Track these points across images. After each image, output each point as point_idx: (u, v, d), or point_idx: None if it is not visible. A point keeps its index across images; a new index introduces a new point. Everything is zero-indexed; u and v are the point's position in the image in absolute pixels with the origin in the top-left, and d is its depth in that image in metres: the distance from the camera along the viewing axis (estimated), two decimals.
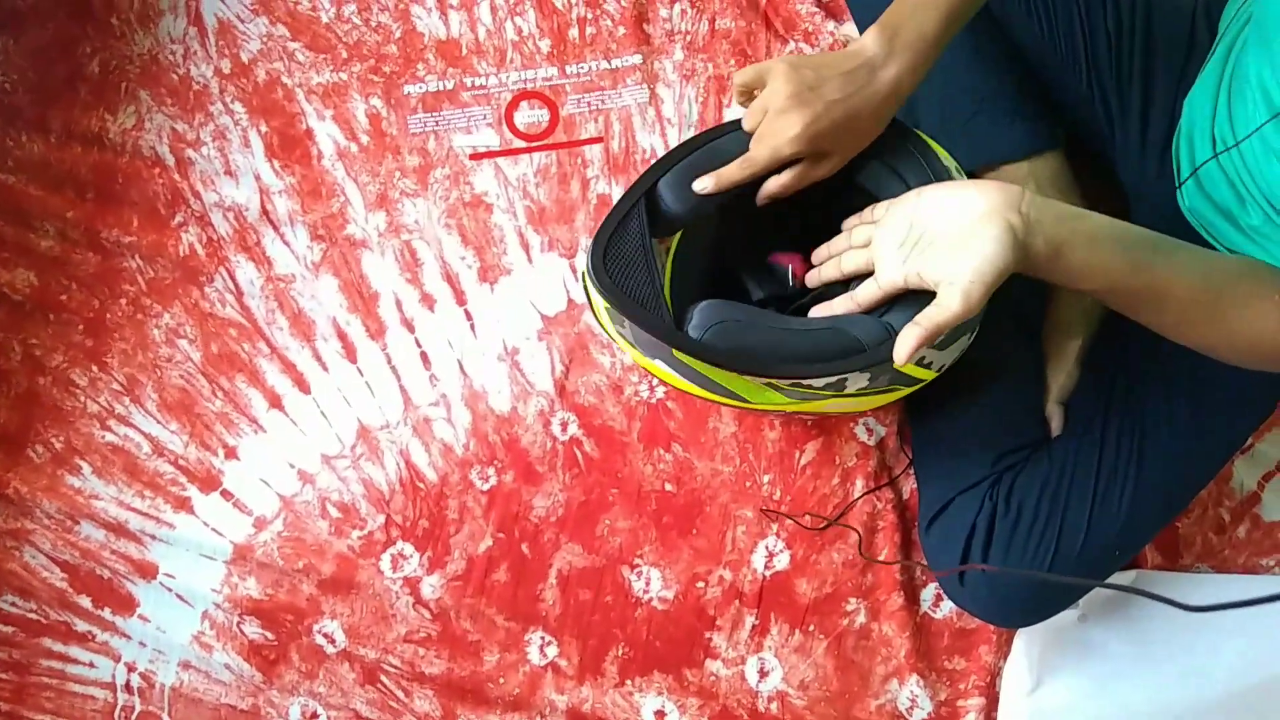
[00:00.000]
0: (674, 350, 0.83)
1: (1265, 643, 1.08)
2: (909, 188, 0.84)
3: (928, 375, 0.89)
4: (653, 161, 0.88)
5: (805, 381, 0.83)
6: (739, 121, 0.88)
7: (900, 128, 0.87)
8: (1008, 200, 0.72)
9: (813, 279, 0.90)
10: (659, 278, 0.84)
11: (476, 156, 1.25)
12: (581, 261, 1.22)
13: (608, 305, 0.84)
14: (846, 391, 0.86)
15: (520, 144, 1.25)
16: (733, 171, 0.85)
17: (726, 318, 0.83)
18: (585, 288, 0.88)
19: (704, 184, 0.86)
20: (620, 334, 0.89)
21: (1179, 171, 0.90)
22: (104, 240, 1.23)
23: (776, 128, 0.81)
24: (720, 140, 0.87)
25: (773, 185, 0.86)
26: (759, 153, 0.84)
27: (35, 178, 1.23)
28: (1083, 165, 1.10)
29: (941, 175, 0.84)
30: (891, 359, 0.77)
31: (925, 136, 0.88)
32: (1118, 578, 1.11)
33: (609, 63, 1.26)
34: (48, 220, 1.23)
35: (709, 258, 0.99)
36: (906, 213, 0.78)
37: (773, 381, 0.85)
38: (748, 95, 0.87)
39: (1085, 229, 0.73)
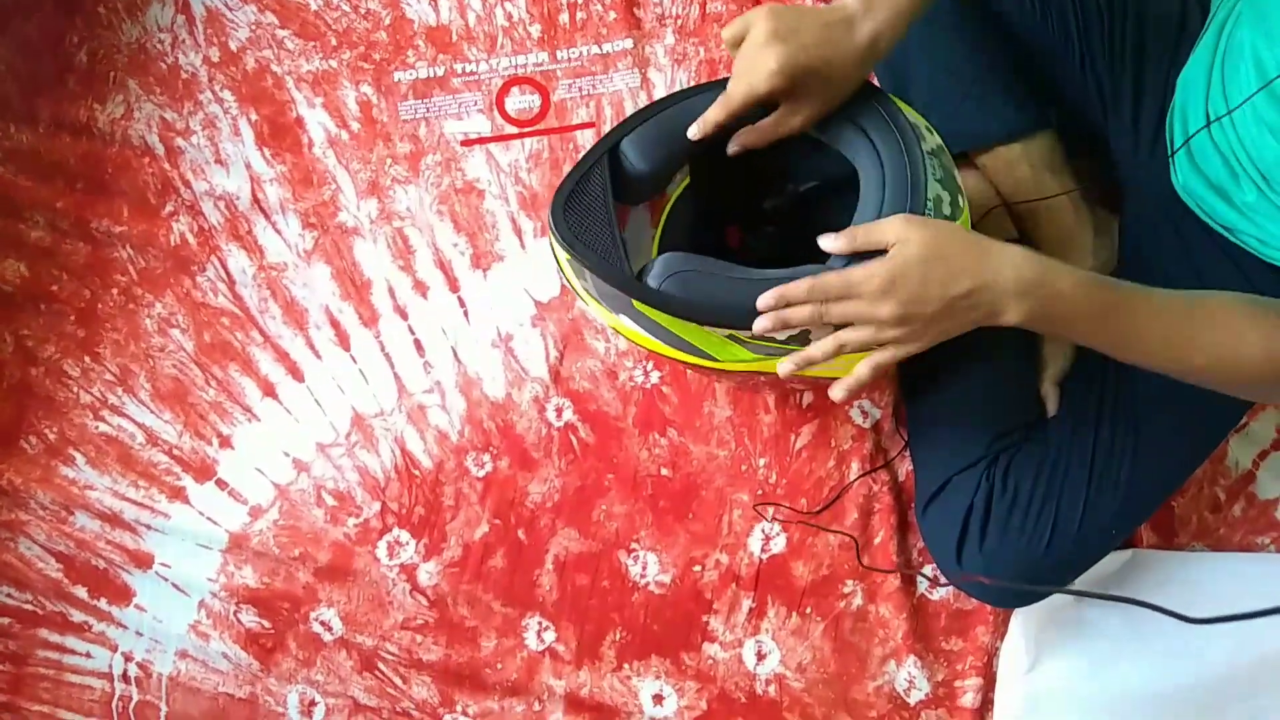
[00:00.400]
0: (633, 302, 0.83)
1: (1259, 621, 1.08)
2: (876, 151, 0.82)
3: None
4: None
5: None
6: (705, 85, 0.87)
7: (869, 88, 0.85)
8: (989, 281, 0.72)
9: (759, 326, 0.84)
10: (618, 231, 0.84)
11: (468, 143, 1.24)
12: None
13: (569, 257, 0.84)
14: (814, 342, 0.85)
15: (512, 130, 1.24)
16: (713, 112, 0.84)
17: (685, 267, 0.82)
18: (550, 243, 0.88)
19: (692, 130, 0.85)
20: (585, 289, 0.88)
21: (1172, 145, 0.90)
22: (94, 230, 1.22)
23: (754, 64, 0.80)
24: (688, 100, 0.87)
25: (748, 134, 0.86)
26: (736, 88, 0.82)
27: (24, 168, 1.23)
28: (1077, 146, 1.09)
29: (907, 133, 0.82)
30: None
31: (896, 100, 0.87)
32: (1114, 558, 1.11)
33: (600, 47, 1.25)
34: (38, 211, 1.23)
35: (695, 232, 0.98)
36: (893, 293, 0.73)
37: (735, 334, 0.84)
38: (736, 46, 0.86)
39: (1063, 306, 0.73)
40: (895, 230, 0.73)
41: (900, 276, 0.72)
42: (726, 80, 0.84)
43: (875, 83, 0.86)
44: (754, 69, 0.80)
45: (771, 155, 0.88)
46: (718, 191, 0.96)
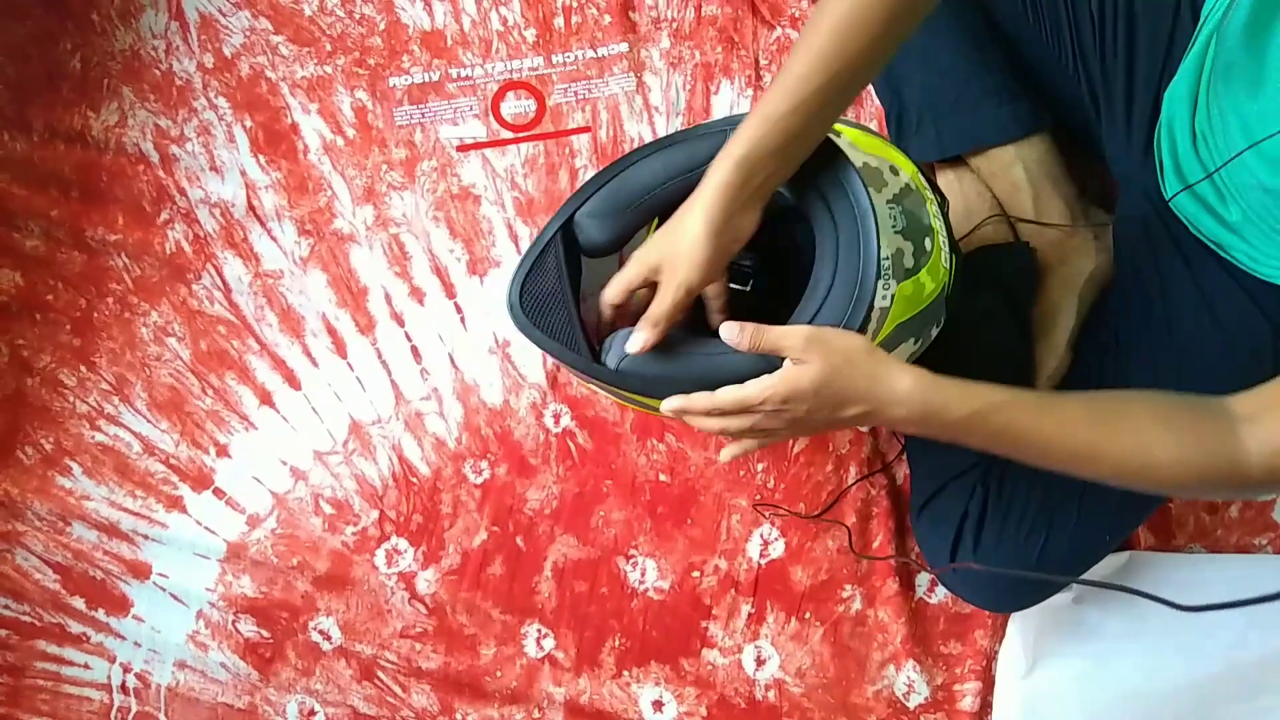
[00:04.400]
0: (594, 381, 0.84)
1: (1257, 623, 1.09)
2: (833, 220, 0.80)
3: None
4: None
5: None
6: (647, 146, 0.85)
7: (830, 149, 0.81)
8: (878, 410, 0.74)
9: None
10: (575, 311, 0.83)
11: (464, 148, 1.24)
12: None
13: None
14: None
15: (507, 135, 1.24)
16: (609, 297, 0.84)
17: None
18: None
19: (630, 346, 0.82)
20: (554, 363, 0.89)
21: (1161, 164, 0.90)
22: (89, 239, 1.22)
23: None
24: (633, 169, 0.85)
25: (613, 289, 0.84)
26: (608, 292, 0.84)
27: (18, 177, 1.22)
28: (1073, 148, 1.10)
29: (862, 201, 0.79)
30: None
31: (858, 134, 0.85)
32: (1111, 560, 1.11)
33: (595, 51, 1.25)
34: (32, 219, 1.22)
35: None
36: (785, 411, 0.76)
37: None
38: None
39: (951, 432, 0.75)
40: (797, 347, 0.74)
41: (793, 398, 0.74)
42: (674, 137, 0.84)
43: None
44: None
45: None
46: None
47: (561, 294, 0.83)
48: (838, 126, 0.82)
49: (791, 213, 0.84)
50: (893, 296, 0.80)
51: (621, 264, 0.91)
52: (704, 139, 0.82)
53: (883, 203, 0.81)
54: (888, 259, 0.79)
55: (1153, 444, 0.72)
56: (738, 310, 0.87)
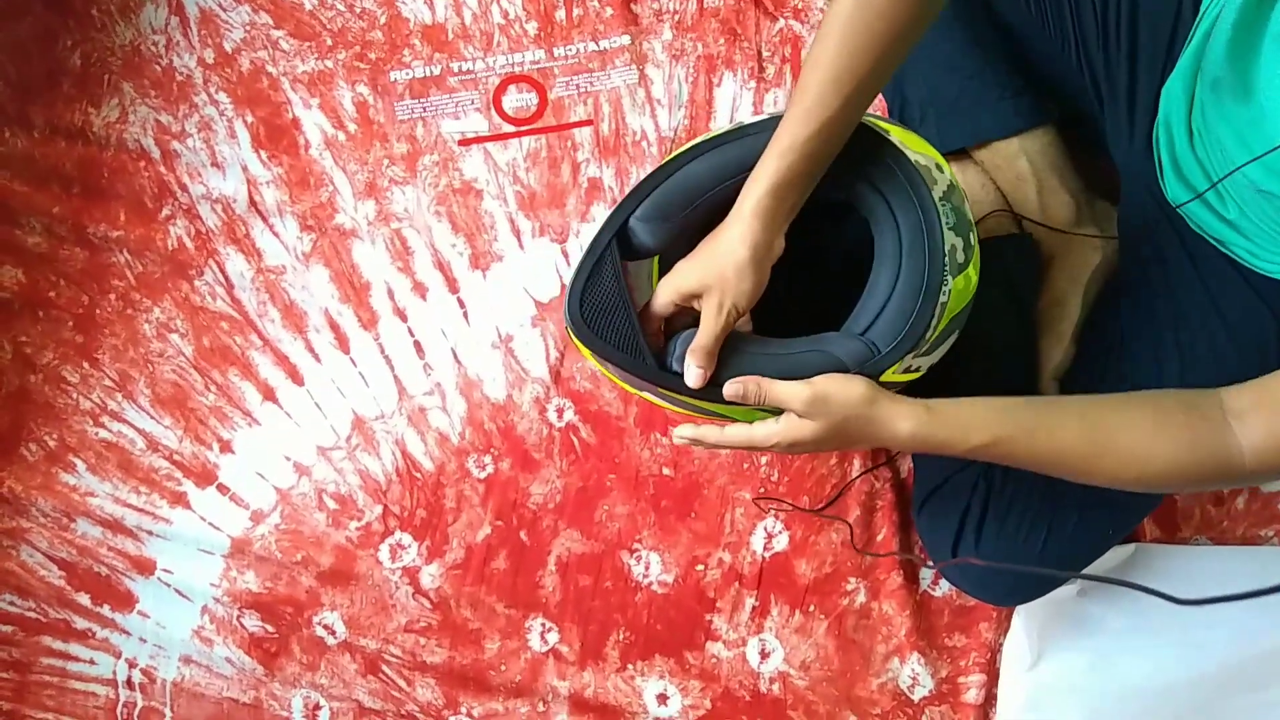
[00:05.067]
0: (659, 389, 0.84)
1: (1262, 615, 1.09)
2: (893, 214, 0.81)
3: (910, 378, 0.89)
4: (631, 186, 0.86)
5: None
6: (706, 142, 0.85)
7: (878, 141, 0.82)
8: (881, 445, 0.81)
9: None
10: (636, 318, 0.83)
11: (465, 142, 1.23)
12: (574, 248, 1.21)
13: (591, 354, 0.85)
14: None
15: (509, 128, 1.24)
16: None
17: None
18: (567, 330, 0.87)
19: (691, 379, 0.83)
20: (608, 370, 0.88)
21: (1160, 160, 0.90)
22: (91, 235, 1.22)
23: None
24: (680, 173, 0.84)
25: (697, 355, 0.82)
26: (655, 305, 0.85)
27: (19, 174, 1.22)
28: (1078, 142, 1.09)
29: (922, 191, 0.81)
30: (876, 375, 0.80)
31: (904, 134, 0.85)
32: (1117, 552, 1.11)
33: (597, 44, 1.24)
34: (34, 216, 1.22)
35: None
36: (790, 450, 0.82)
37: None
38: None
39: (954, 456, 0.79)
40: (799, 404, 0.78)
41: (799, 444, 0.80)
42: (719, 138, 0.84)
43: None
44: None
45: None
46: None
47: (621, 302, 0.83)
48: (885, 125, 0.83)
49: (813, 213, 0.84)
50: (949, 291, 0.81)
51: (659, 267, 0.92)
52: (748, 139, 0.82)
53: (936, 199, 0.81)
54: (946, 256, 0.80)
55: (1148, 452, 0.75)
56: (769, 318, 0.89)
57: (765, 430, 0.80)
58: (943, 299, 0.80)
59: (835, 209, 0.86)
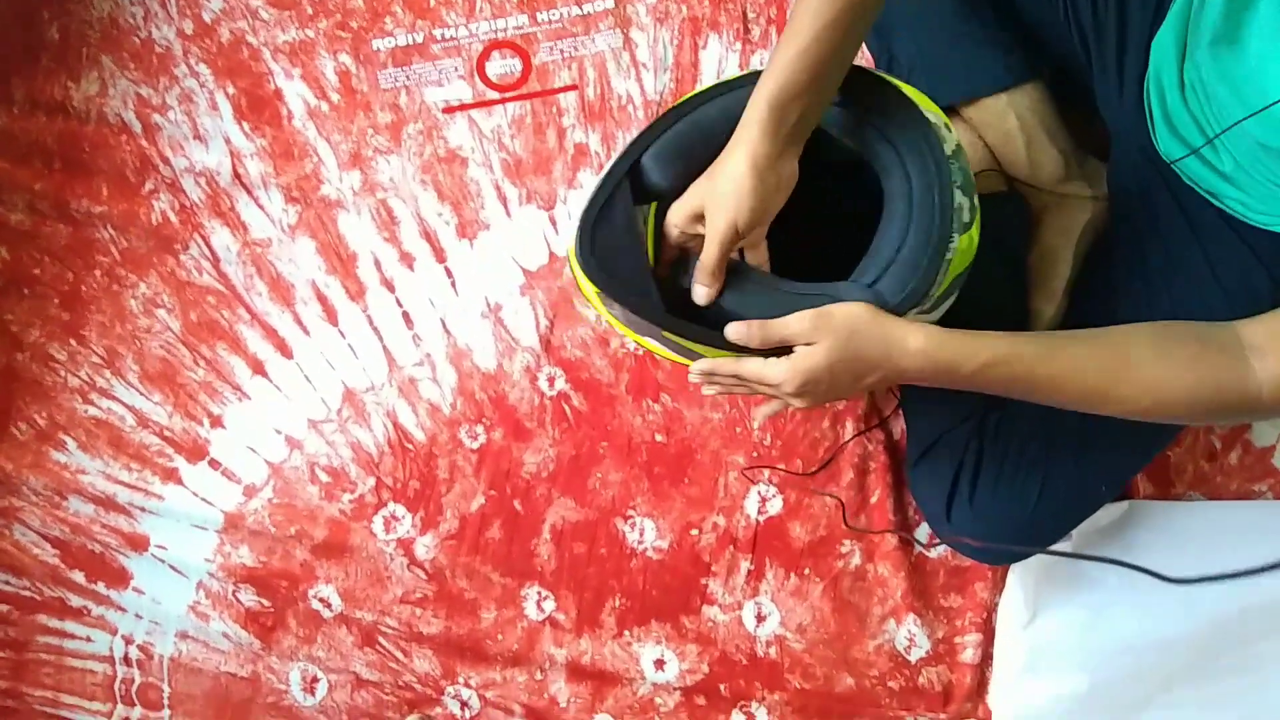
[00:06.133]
0: (664, 332, 0.82)
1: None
2: (904, 165, 0.80)
3: None
4: (632, 135, 0.85)
5: None
6: (720, 85, 0.84)
7: (896, 96, 0.81)
8: (894, 371, 0.78)
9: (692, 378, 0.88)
10: (646, 256, 0.82)
11: (450, 110, 1.22)
12: (561, 215, 1.20)
13: (598, 291, 0.83)
14: None
15: (493, 95, 1.22)
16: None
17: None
18: (572, 268, 0.86)
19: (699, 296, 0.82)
20: (611, 314, 0.87)
21: (1151, 114, 0.89)
22: (74, 211, 1.21)
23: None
24: (696, 112, 0.84)
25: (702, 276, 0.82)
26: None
27: (0, 150, 1.21)
28: (1067, 100, 1.08)
29: (936, 147, 0.80)
30: None
31: (915, 93, 0.84)
32: (1110, 509, 1.11)
33: (581, 8, 1.23)
34: (15, 193, 1.21)
35: None
36: (805, 391, 0.79)
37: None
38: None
39: (966, 384, 0.77)
40: (804, 332, 0.77)
41: (811, 380, 0.77)
42: (735, 81, 0.83)
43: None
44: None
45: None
46: None
47: (632, 240, 0.82)
48: (897, 83, 0.82)
49: (821, 169, 0.83)
50: (955, 249, 0.80)
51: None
52: None
53: (948, 155, 0.81)
54: (954, 213, 0.80)
55: (1163, 380, 0.74)
56: (778, 270, 0.88)
57: (777, 369, 0.78)
58: (949, 255, 0.80)
59: (846, 166, 0.86)
